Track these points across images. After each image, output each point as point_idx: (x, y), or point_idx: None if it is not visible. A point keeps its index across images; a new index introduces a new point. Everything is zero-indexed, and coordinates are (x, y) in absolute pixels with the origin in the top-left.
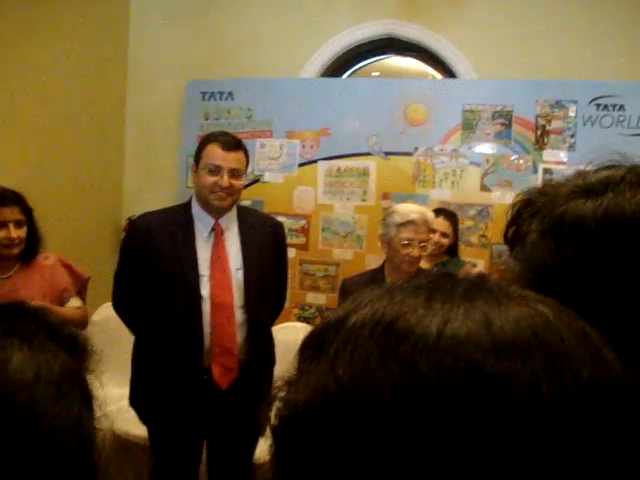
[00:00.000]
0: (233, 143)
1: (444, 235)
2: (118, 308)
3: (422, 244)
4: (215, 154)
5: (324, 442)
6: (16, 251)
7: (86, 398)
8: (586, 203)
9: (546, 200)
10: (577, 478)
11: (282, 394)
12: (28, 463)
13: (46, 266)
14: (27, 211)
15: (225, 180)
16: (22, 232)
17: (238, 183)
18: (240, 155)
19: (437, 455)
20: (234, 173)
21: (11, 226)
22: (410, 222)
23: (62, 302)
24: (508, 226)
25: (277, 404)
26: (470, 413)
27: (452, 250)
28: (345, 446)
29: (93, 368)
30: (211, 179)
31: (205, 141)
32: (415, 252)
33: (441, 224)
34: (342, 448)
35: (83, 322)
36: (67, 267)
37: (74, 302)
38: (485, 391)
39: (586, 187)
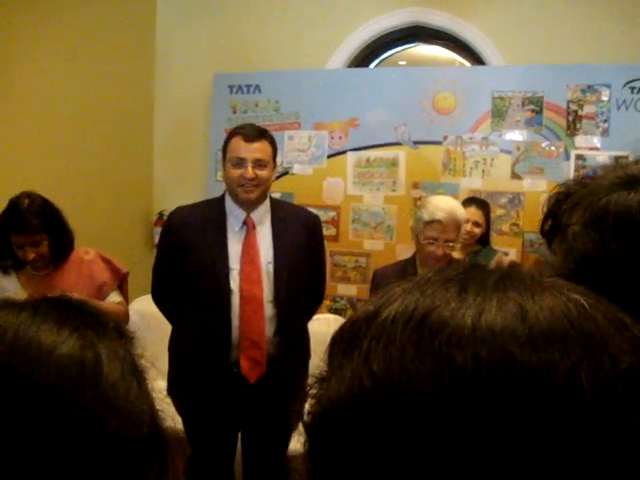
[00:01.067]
0: (255, 134)
1: (476, 224)
2: (156, 300)
3: (448, 243)
4: (238, 146)
5: (360, 438)
6: (40, 265)
7: (146, 381)
8: (630, 195)
9: (586, 192)
10: (616, 468)
11: (314, 391)
12: (125, 453)
13: (85, 261)
14: (47, 224)
15: (249, 171)
16: (42, 249)
17: (264, 173)
18: (264, 145)
19: (476, 447)
20: (259, 163)
21: (27, 249)
22: (436, 221)
23: (101, 297)
24: (545, 219)
25: (310, 401)
26: (509, 404)
27: (484, 239)
28: (382, 441)
29: (141, 353)
30: (236, 172)
31: (230, 135)
32: (439, 251)
33: (473, 213)
34: (379, 443)
35: (124, 317)
36: (106, 261)
37: (114, 297)
38: (523, 382)
39: (628, 178)
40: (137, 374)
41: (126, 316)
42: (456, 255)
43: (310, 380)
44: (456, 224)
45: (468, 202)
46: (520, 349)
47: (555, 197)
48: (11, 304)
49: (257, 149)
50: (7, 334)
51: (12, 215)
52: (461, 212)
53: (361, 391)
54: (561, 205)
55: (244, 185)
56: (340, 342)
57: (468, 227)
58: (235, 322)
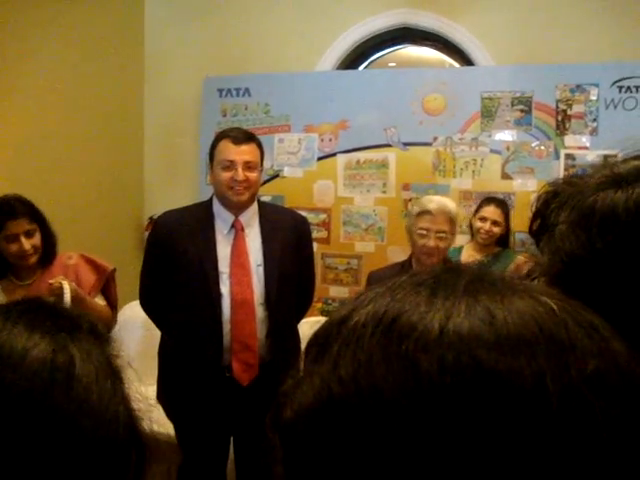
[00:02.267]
0: (243, 136)
1: (495, 224)
2: (144, 305)
3: (440, 235)
4: (227, 149)
5: (330, 444)
6: (33, 260)
7: (122, 381)
8: (617, 194)
9: (574, 191)
10: (583, 473)
11: (288, 397)
12: (100, 454)
13: (70, 266)
14: (37, 217)
15: (240, 174)
16: (35, 240)
17: (253, 175)
18: (252, 147)
19: (441, 453)
20: (248, 166)
21: (22, 238)
22: (426, 212)
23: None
24: (533, 218)
25: (283, 406)
26: (474, 409)
27: (504, 241)
28: (350, 447)
29: (117, 353)
30: (226, 175)
31: (217, 138)
32: (431, 242)
33: (492, 212)
34: (347, 449)
35: (111, 319)
36: (90, 262)
37: (99, 301)
38: (489, 387)
39: (615, 177)
40: (112, 375)
41: (111, 318)
42: (475, 256)
43: (285, 386)
44: (447, 216)
45: (487, 201)
46: (487, 353)
47: (544, 196)
48: None
49: (246, 151)
50: None
51: (1, 207)
52: (452, 207)
53: (329, 397)
54: (549, 204)
55: (234, 187)
56: (313, 346)
57: (487, 226)
58: (226, 326)
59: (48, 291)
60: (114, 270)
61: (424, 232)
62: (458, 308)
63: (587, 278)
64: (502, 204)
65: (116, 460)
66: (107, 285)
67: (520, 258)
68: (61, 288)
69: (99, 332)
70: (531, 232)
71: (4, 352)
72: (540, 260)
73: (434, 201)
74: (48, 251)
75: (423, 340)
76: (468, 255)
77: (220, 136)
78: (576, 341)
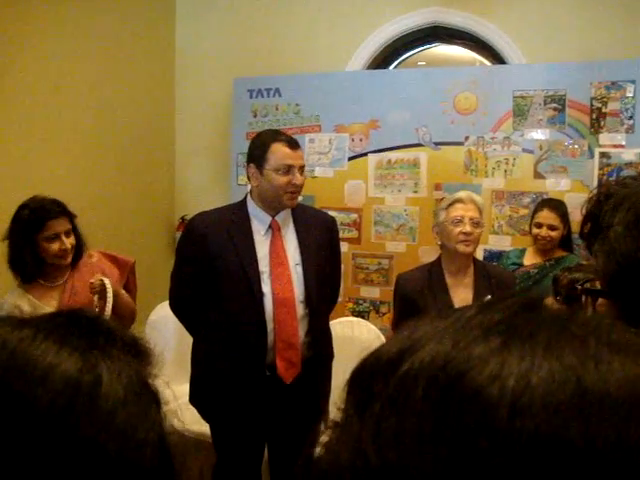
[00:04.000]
0: (295, 141)
1: (551, 228)
2: (175, 308)
3: (474, 221)
4: (285, 154)
5: None
6: (70, 259)
7: (159, 403)
8: None
9: (629, 192)
10: None
11: (326, 437)
12: (125, 478)
13: (94, 264)
14: (71, 218)
15: (299, 178)
16: (72, 240)
17: (303, 179)
18: (302, 152)
19: None
20: (302, 170)
21: (63, 237)
22: (458, 201)
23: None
24: (584, 221)
25: (319, 448)
26: None
27: (567, 243)
28: None
29: (157, 371)
30: (284, 179)
31: (266, 141)
32: (467, 228)
33: (546, 217)
34: None
35: (134, 311)
36: (111, 258)
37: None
38: (581, 470)
39: None
40: (145, 398)
41: (134, 309)
42: (535, 260)
43: (325, 425)
44: (476, 205)
45: (540, 206)
46: (576, 429)
47: (595, 198)
48: (15, 319)
49: (301, 156)
50: (5, 352)
51: (37, 209)
52: (478, 198)
53: (365, 467)
54: (602, 206)
55: (292, 192)
56: (356, 386)
57: (543, 232)
58: (270, 325)
59: (91, 290)
60: (134, 263)
61: (459, 218)
62: (538, 373)
63: None
64: (557, 206)
65: (144, 477)
66: (127, 278)
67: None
68: (104, 285)
69: (139, 349)
70: (582, 234)
71: (29, 367)
72: (594, 262)
73: (461, 193)
74: (77, 251)
75: (489, 415)
76: (530, 258)
77: (270, 139)
78: None
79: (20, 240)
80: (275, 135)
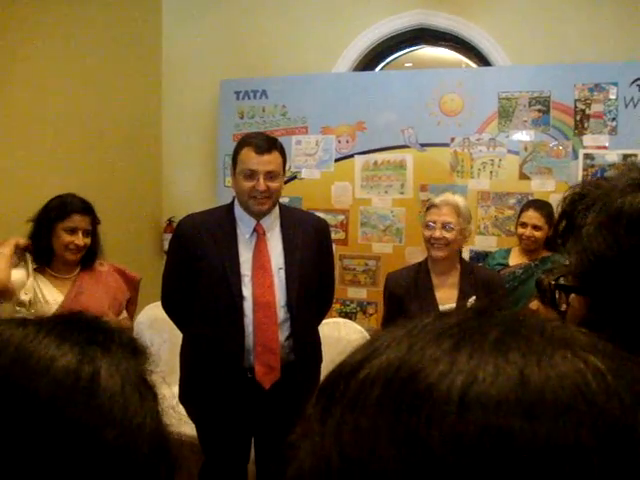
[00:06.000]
0: (266, 145)
1: (536, 228)
2: (167, 308)
3: (447, 226)
4: (249, 158)
5: None
6: (77, 258)
7: (156, 396)
8: None
9: (601, 193)
10: None
11: (294, 450)
12: (121, 464)
13: (102, 272)
14: (94, 222)
15: (262, 184)
16: (88, 240)
17: (275, 185)
18: (275, 156)
19: None
20: (270, 175)
21: (80, 233)
22: (432, 206)
23: (117, 307)
24: (560, 219)
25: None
26: None
27: (553, 244)
28: None
29: (153, 369)
30: (248, 184)
31: (240, 144)
32: (436, 233)
33: (531, 217)
34: None
35: (132, 330)
36: (120, 273)
37: (124, 312)
38: (522, 465)
39: None
40: (142, 390)
41: (132, 329)
42: (520, 260)
43: (295, 433)
44: (452, 208)
45: (526, 206)
46: (518, 424)
47: (570, 198)
48: (19, 319)
49: (269, 161)
50: (10, 347)
51: (68, 201)
52: (459, 200)
53: (328, 470)
54: (576, 206)
55: (256, 197)
56: (322, 395)
57: (527, 232)
58: (249, 328)
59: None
60: (140, 280)
61: (431, 224)
62: (484, 369)
63: (613, 277)
64: (542, 207)
65: (139, 472)
66: (132, 294)
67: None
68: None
69: (136, 347)
70: (557, 233)
71: (32, 360)
72: (565, 260)
73: (442, 197)
74: (92, 254)
75: (439, 410)
76: (515, 259)
77: (243, 143)
78: (630, 415)
79: (42, 223)
80: (248, 139)
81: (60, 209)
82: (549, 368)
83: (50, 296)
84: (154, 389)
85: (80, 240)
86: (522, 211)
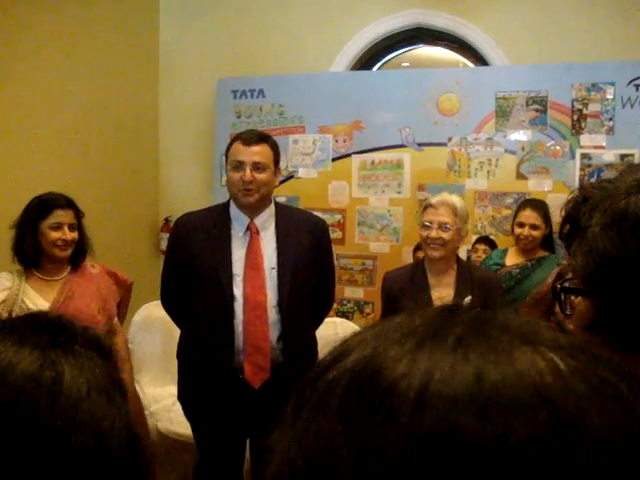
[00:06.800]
0: (254, 137)
1: (534, 227)
2: (165, 306)
3: (444, 226)
4: (237, 150)
5: None
6: (67, 253)
7: (124, 395)
8: None
9: (605, 194)
10: None
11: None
12: (91, 469)
13: (93, 274)
14: (78, 216)
15: (247, 174)
16: (75, 234)
17: (262, 176)
18: (263, 148)
19: None
20: (257, 166)
21: (66, 228)
22: (429, 206)
23: (107, 311)
24: (564, 222)
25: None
26: None
27: (549, 243)
28: None
29: (119, 366)
30: (236, 175)
31: (231, 140)
32: (433, 233)
33: (528, 216)
34: None
35: (125, 344)
36: (112, 275)
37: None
38: (470, 462)
39: None
40: (110, 390)
41: (125, 343)
42: (516, 260)
43: (272, 438)
44: (449, 208)
45: (523, 205)
46: (469, 421)
47: (573, 201)
48: None
49: (255, 152)
50: None
51: (47, 199)
52: (456, 200)
53: (292, 474)
54: (580, 208)
55: (243, 189)
56: (295, 397)
57: (525, 231)
58: (239, 328)
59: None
60: (132, 283)
61: (428, 224)
62: (442, 368)
63: (620, 278)
64: (539, 206)
65: (111, 474)
66: (123, 297)
67: (563, 267)
68: None
69: (102, 346)
70: (561, 235)
71: None
72: (572, 262)
73: (436, 197)
74: (80, 253)
75: (396, 411)
76: (512, 259)
77: (234, 138)
78: (584, 411)
79: (25, 225)
80: (240, 134)
81: (41, 207)
82: (506, 366)
83: (32, 305)
84: (123, 388)
85: (67, 235)
86: (518, 211)
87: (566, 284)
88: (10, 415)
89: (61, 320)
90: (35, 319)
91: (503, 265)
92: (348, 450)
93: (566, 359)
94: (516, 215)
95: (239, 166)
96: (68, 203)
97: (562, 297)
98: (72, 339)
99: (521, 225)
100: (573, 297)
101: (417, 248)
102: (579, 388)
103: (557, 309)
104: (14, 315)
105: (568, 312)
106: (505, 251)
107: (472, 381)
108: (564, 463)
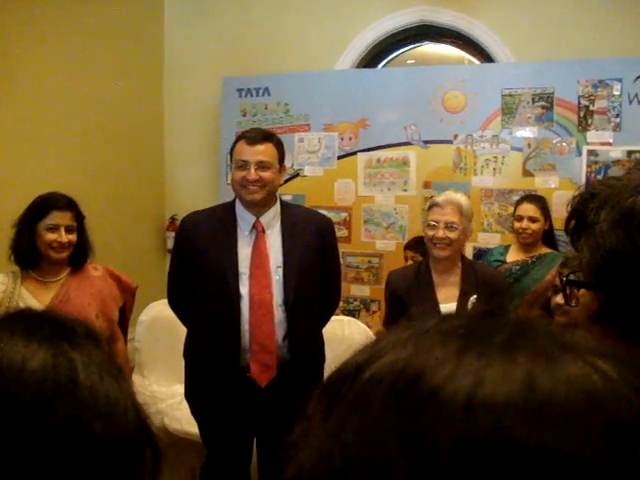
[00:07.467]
0: (259, 136)
1: (532, 220)
2: (172, 305)
3: (451, 226)
4: (241, 149)
5: None
6: (64, 255)
7: (125, 378)
8: None
9: (613, 192)
10: None
11: (293, 450)
12: (110, 459)
13: (95, 277)
14: (79, 218)
15: (252, 173)
16: (72, 237)
17: (267, 175)
18: (267, 147)
19: None
20: (261, 165)
21: (62, 230)
22: (435, 205)
23: (107, 314)
24: (569, 217)
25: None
26: None
27: (550, 240)
28: None
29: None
30: (240, 174)
31: (236, 140)
32: (439, 233)
33: (526, 209)
34: None
35: (124, 349)
36: (115, 278)
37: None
38: (528, 472)
39: None
40: (115, 374)
41: (124, 352)
42: (518, 256)
43: (294, 433)
44: (455, 208)
45: (521, 200)
46: (525, 429)
47: (580, 197)
48: None
49: (260, 151)
50: None
51: (47, 199)
52: (462, 199)
53: (331, 470)
54: (587, 204)
55: (247, 186)
56: (324, 394)
57: (523, 224)
58: (245, 326)
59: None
60: (136, 287)
61: (434, 224)
62: (492, 371)
63: (627, 273)
64: (537, 199)
65: (130, 458)
66: (126, 302)
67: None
68: None
69: (95, 335)
70: (567, 230)
71: (3, 365)
72: (579, 256)
73: (442, 195)
74: (81, 253)
75: (445, 412)
76: (513, 255)
77: (239, 137)
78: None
79: (24, 225)
80: (245, 132)
81: (39, 208)
82: (557, 371)
83: (35, 303)
84: (123, 372)
85: (63, 237)
86: (517, 206)
87: (572, 277)
88: (32, 412)
89: (49, 314)
90: (31, 314)
91: (504, 262)
92: (396, 447)
93: (612, 366)
94: (515, 210)
95: (244, 165)
96: (67, 205)
97: (567, 290)
98: (71, 330)
99: (520, 219)
100: (576, 290)
101: (407, 247)
102: (630, 395)
103: (553, 305)
104: None
105: (573, 304)
106: (507, 247)
107: (524, 386)
108: (620, 473)
